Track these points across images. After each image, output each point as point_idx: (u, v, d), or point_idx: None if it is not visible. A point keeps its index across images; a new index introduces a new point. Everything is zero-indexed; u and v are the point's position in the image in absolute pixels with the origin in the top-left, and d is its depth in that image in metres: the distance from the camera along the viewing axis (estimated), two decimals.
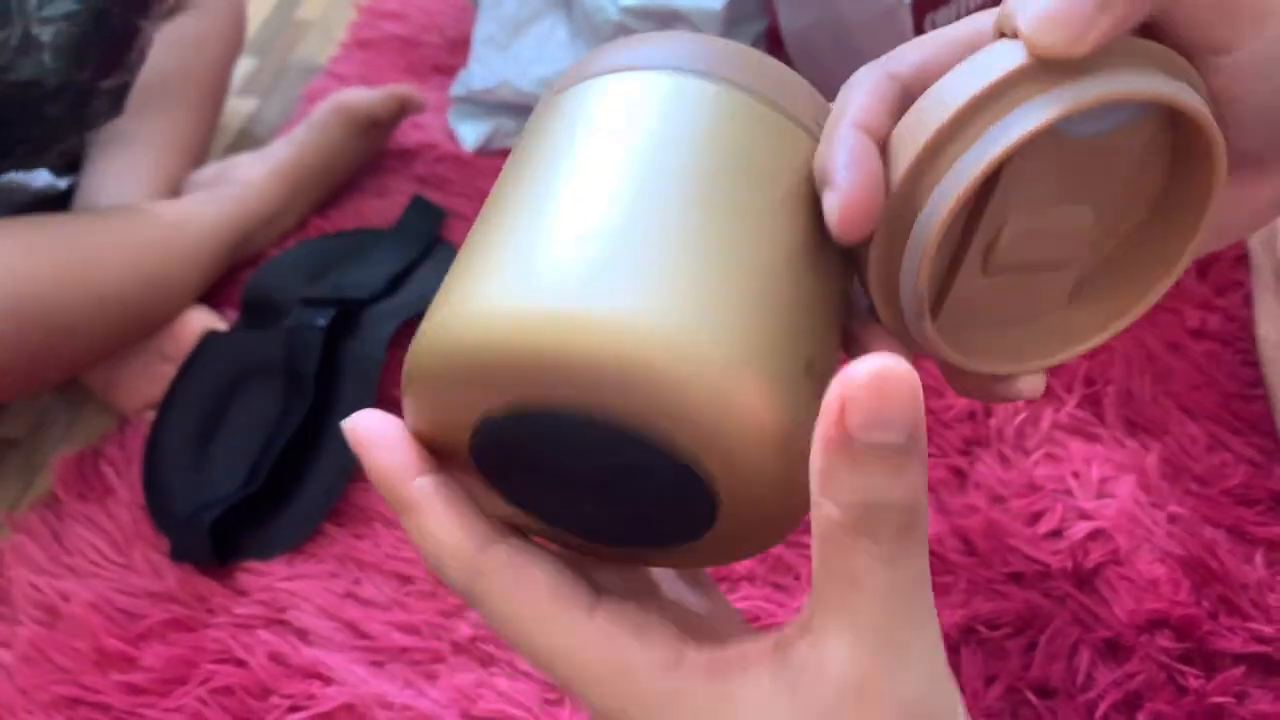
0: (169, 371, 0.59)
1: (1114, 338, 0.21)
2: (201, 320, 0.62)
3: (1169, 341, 0.62)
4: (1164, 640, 0.48)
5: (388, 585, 0.51)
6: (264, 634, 0.48)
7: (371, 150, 0.74)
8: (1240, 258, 0.66)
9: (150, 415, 0.58)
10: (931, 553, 0.28)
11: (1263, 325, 0.57)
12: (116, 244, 0.60)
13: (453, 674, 0.47)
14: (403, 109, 0.74)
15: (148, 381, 0.60)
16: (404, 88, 0.75)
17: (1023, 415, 0.57)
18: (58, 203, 0.70)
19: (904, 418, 0.18)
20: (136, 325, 0.60)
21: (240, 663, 0.47)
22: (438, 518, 0.22)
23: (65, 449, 0.59)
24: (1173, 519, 0.53)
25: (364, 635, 0.49)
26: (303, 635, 0.49)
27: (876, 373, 0.17)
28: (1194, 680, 0.47)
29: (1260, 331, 0.57)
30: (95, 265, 0.58)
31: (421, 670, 0.48)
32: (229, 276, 0.67)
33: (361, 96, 0.73)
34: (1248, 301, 0.62)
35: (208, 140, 0.78)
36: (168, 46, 0.76)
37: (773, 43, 0.81)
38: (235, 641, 0.48)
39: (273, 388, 0.58)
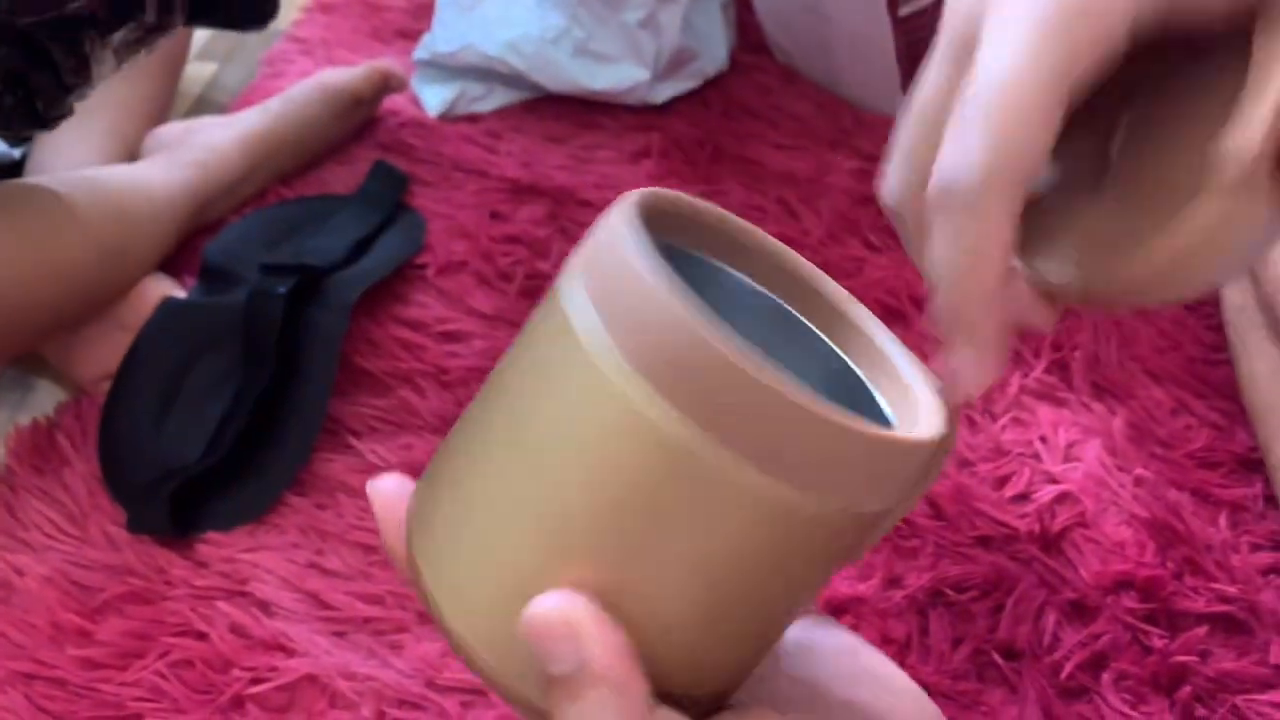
0: (127, 340, 0.58)
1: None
2: (160, 288, 0.60)
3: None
4: (1129, 601, 0.48)
5: (351, 556, 0.50)
6: (224, 606, 0.48)
7: (353, 127, 0.73)
8: None
9: (107, 385, 0.57)
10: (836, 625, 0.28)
11: (1228, 290, 0.57)
12: (72, 213, 0.58)
13: (418, 643, 0.47)
14: (386, 85, 0.73)
15: (105, 350, 0.58)
16: (385, 63, 0.74)
17: None
18: (10, 172, 0.68)
19: (558, 653, 0.19)
20: (94, 295, 0.58)
21: (200, 635, 0.47)
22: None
23: (19, 420, 0.57)
24: (1138, 482, 0.53)
25: (327, 606, 0.48)
26: (264, 607, 0.48)
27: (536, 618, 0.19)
28: (1158, 640, 0.47)
29: (1225, 296, 0.57)
30: (50, 235, 0.56)
31: (386, 640, 0.47)
32: (188, 243, 0.66)
33: (345, 75, 0.71)
34: None
35: (167, 106, 0.76)
36: None
37: (742, 6, 0.80)
38: (195, 614, 0.47)
39: (233, 357, 0.57)
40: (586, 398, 0.19)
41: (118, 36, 0.55)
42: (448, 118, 0.75)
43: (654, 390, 0.19)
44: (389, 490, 0.23)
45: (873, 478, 0.20)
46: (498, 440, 0.21)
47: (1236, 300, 0.55)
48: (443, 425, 0.56)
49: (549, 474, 0.20)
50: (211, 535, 0.51)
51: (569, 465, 0.20)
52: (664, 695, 0.20)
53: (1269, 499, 0.53)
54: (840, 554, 0.22)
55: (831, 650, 0.25)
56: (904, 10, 0.68)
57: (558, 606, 0.19)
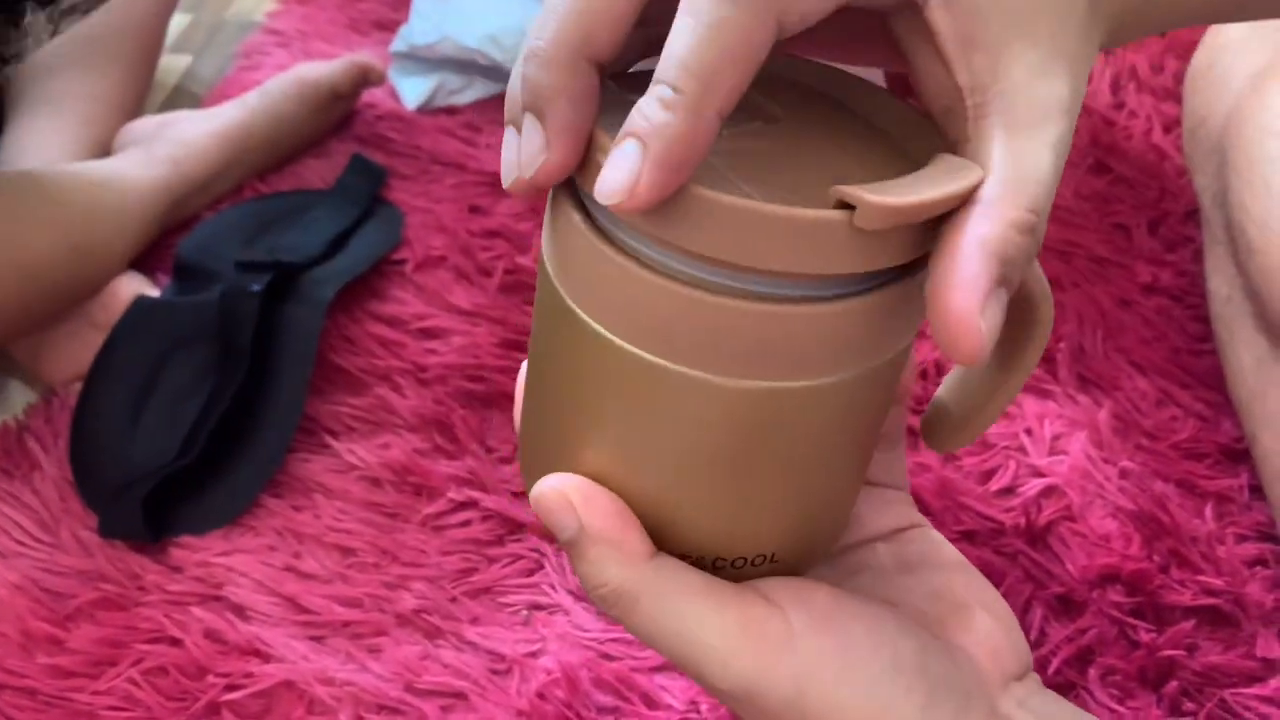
0: (98, 340, 0.57)
1: None
2: (132, 286, 0.59)
3: (1120, 297, 0.62)
4: (1115, 595, 0.48)
5: (329, 558, 0.49)
6: (199, 611, 0.47)
7: (331, 122, 0.72)
8: (1191, 213, 0.66)
9: (78, 386, 0.56)
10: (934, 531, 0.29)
11: (1213, 280, 0.57)
12: (40, 209, 0.57)
13: (397, 647, 0.46)
14: (364, 79, 0.72)
15: (76, 350, 0.57)
16: (364, 57, 0.73)
17: None
18: None
19: (562, 522, 0.24)
20: (64, 294, 0.57)
21: (174, 641, 0.46)
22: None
23: None
24: (1124, 474, 0.53)
25: (304, 610, 0.47)
26: (240, 611, 0.47)
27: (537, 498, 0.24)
28: (1145, 634, 0.47)
29: (1211, 286, 0.57)
30: (17, 230, 0.55)
31: (364, 644, 0.46)
32: (162, 240, 0.65)
33: (322, 69, 0.70)
34: (1198, 257, 0.62)
35: (141, 99, 0.75)
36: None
37: None
38: (169, 620, 0.46)
39: (207, 356, 0.56)
40: (556, 321, 0.24)
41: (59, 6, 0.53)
42: (426, 110, 0.74)
43: (582, 308, 0.23)
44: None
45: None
46: (530, 362, 0.26)
47: (1223, 291, 0.55)
48: (421, 424, 0.55)
49: (549, 385, 0.25)
50: (186, 539, 0.50)
51: (559, 377, 0.24)
52: (671, 553, 0.24)
53: (1254, 489, 0.52)
54: (823, 422, 0.23)
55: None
56: None
57: (554, 485, 0.24)
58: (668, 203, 0.20)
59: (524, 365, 0.27)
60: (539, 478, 0.25)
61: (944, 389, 0.28)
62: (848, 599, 0.25)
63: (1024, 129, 0.21)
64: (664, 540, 0.24)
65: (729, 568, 0.24)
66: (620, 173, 0.19)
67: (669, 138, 0.19)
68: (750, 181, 0.21)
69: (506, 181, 0.22)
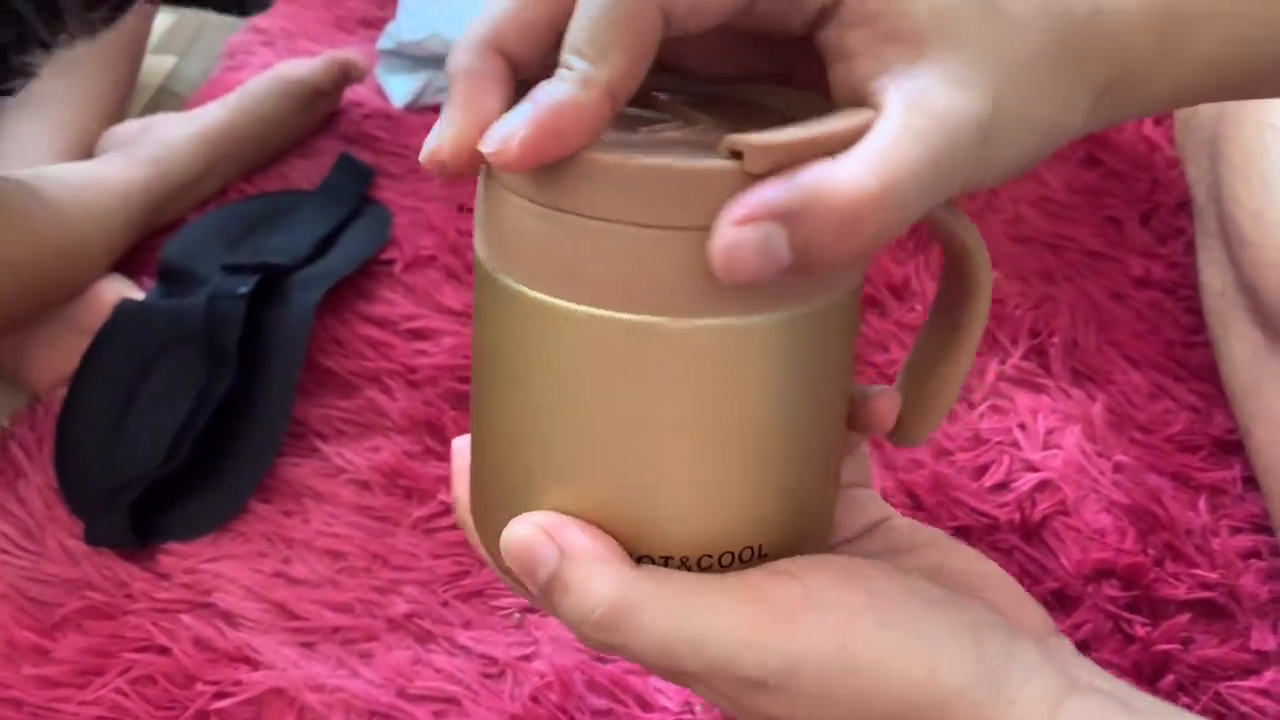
0: (82, 344, 0.56)
1: None
2: (116, 289, 0.59)
3: (1113, 290, 0.62)
4: (1111, 589, 0.48)
5: (319, 563, 0.49)
6: (187, 619, 0.46)
7: (315, 121, 0.71)
8: (1183, 205, 0.65)
9: (63, 392, 0.55)
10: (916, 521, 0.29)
11: (1206, 272, 0.56)
12: (19, 209, 0.56)
13: (388, 652, 0.46)
14: (345, 76, 0.71)
15: (60, 356, 0.57)
16: (345, 53, 0.72)
17: None
18: None
19: (541, 555, 0.23)
20: (45, 297, 0.56)
21: (163, 650, 0.45)
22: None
23: None
24: (1118, 468, 0.53)
25: (294, 616, 0.47)
26: (229, 618, 0.47)
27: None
28: (1141, 629, 0.47)
29: (1204, 279, 0.57)
30: None
31: (355, 650, 0.46)
32: (146, 243, 0.64)
33: (303, 67, 0.69)
34: (1190, 249, 0.61)
35: (125, 100, 0.74)
36: None
37: None
38: (157, 628, 0.46)
39: (193, 360, 0.55)
40: (497, 313, 0.24)
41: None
42: (414, 108, 0.74)
43: (517, 280, 0.23)
44: (463, 448, 0.28)
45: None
46: (475, 399, 0.27)
47: (1216, 284, 0.55)
48: (411, 426, 0.54)
49: (498, 405, 0.25)
50: (173, 546, 0.49)
51: (504, 381, 0.25)
52: (645, 560, 0.23)
53: (1248, 481, 0.52)
54: (778, 369, 0.23)
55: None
56: None
57: (523, 523, 0.23)
58: (567, 169, 0.21)
59: (457, 444, 0.27)
60: (500, 525, 0.24)
61: (898, 383, 0.28)
62: (861, 560, 0.24)
63: (910, 112, 0.21)
64: (644, 549, 0.23)
65: (717, 566, 0.23)
66: (500, 130, 0.21)
67: (551, 105, 0.20)
68: (658, 158, 0.21)
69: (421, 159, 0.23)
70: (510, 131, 0.21)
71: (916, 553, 0.27)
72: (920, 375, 0.28)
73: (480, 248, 0.24)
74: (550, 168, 0.21)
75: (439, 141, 0.22)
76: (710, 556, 0.23)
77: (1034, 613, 0.26)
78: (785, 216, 0.20)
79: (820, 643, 0.22)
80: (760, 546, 0.24)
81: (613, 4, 0.20)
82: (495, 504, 0.25)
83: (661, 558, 0.23)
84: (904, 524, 0.28)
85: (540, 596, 0.23)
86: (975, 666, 0.22)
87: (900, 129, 0.20)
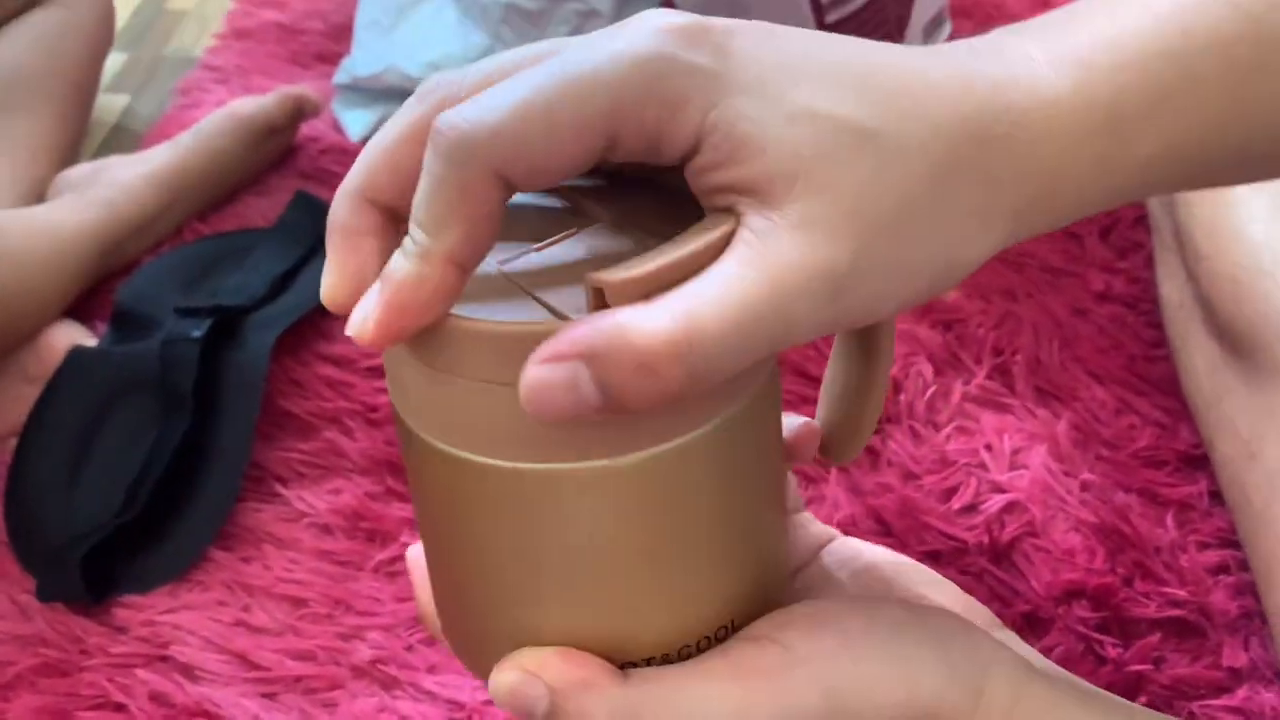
0: (33, 393, 0.55)
1: None
2: (68, 335, 0.58)
3: (1075, 306, 0.62)
4: (1081, 610, 0.48)
5: (279, 610, 0.48)
6: (144, 674, 0.45)
7: (270, 157, 0.70)
8: (1140, 219, 0.66)
9: (13, 443, 0.54)
10: (847, 536, 0.29)
11: (1165, 286, 0.57)
12: None
13: (353, 700, 0.45)
14: (300, 111, 0.70)
15: (10, 405, 0.56)
16: (298, 88, 0.72)
17: (933, 389, 0.57)
18: None
19: (533, 694, 0.23)
20: None
21: (119, 707, 0.44)
22: None
23: None
24: (1085, 486, 0.52)
25: (255, 666, 0.46)
26: (188, 672, 0.46)
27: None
28: (1112, 649, 0.46)
29: (1163, 292, 0.57)
30: None
31: (319, 699, 0.45)
32: (99, 287, 0.63)
33: (255, 104, 0.69)
34: (1150, 263, 0.62)
35: (77, 142, 0.73)
36: (28, 42, 0.71)
37: None
38: (113, 684, 0.45)
39: (148, 406, 0.54)
40: (429, 473, 0.24)
41: None
42: None
43: (445, 442, 0.23)
44: (417, 556, 0.27)
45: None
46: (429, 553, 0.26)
47: (1174, 297, 0.55)
48: (372, 466, 0.54)
49: (455, 558, 0.25)
50: (130, 597, 0.48)
51: (455, 541, 0.24)
52: (628, 665, 0.24)
53: (1214, 495, 0.52)
54: (717, 477, 0.23)
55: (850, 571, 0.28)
56: (830, 17, 0.67)
57: (507, 670, 0.23)
58: (434, 334, 0.21)
59: (411, 555, 0.27)
60: (474, 640, 0.25)
61: (821, 407, 0.29)
62: (821, 603, 0.25)
63: (743, 262, 0.20)
64: (626, 658, 0.24)
65: (696, 651, 0.24)
66: (359, 312, 0.21)
67: (397, 283, 0.21)
68: (551, 293, 0.22)
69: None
70: (366, 313, 0.21)
71: (866, 570, 0.28)
72: (839, 394, 0.28)
73: (407, 413, 0.24)
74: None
75: (322, 291, 0.23)
76: (689, 645, 0.24)
77: (978, 611, 0.28)
78: (589, 356, 0.19)
79: (806, 694, 0.23)
80: (733, 621, 0.25)
81: (446, 177, 0.20)
82: (466, 622, 0.26)
83: (644, 660, 0.24)
84: (849, 543, 0.29)
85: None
86: (947, 674, 0.24)
87: (728, 279, 0.20)
